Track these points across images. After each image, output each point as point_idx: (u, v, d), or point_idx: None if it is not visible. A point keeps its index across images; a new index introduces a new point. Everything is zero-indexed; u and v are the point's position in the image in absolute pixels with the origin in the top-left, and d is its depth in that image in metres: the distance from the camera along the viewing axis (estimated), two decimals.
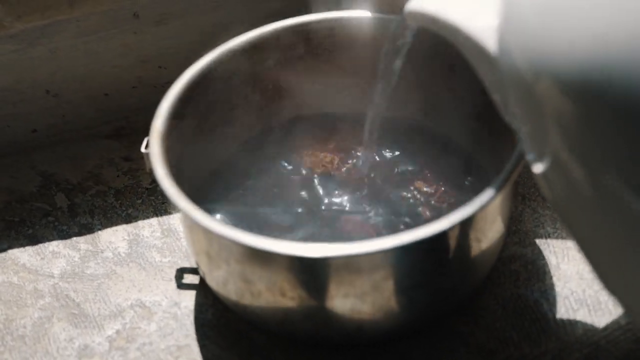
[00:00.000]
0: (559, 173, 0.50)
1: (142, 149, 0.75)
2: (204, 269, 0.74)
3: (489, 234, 0.71)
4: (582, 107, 0.46)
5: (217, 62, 0.80)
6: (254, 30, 0.81)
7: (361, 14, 0.82)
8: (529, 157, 0.54)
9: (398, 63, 0.75)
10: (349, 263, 0.66)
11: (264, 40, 0.82)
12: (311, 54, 0.83)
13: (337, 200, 0.80)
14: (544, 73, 0.48)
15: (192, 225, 0.72)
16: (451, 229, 0.66)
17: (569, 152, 0.48)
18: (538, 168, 0.52)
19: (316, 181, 0.81)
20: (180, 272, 0.81)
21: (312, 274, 0.68)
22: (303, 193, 0.80)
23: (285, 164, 0.83)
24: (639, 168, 0.45)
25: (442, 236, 0.66)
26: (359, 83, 0.84)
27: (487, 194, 0.67)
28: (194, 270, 0.81)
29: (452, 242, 0.68)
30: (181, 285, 0.80)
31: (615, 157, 0.46)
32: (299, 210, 0.79)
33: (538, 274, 0.79)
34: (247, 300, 0.71)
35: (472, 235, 0.69)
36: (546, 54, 0.48)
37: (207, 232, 0.68)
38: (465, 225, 0.67)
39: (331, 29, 0.82)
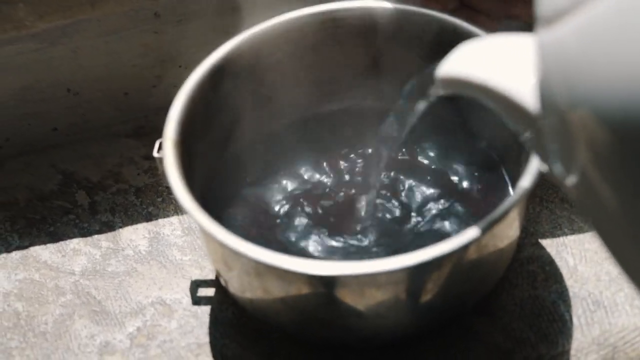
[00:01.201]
0: (587, 190, 0.50)
1: (155, 153, 0.74)
2: (223, 275, 0.74)
3: (506, 237, 0.71)
4: (617, 138, 0.46)
5: (226, 59, 0.79)
6: (260, 23, 0.81)
7: (377, 4, 0.81)
8: (557, 172, 0.54)
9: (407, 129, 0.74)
10: (369, 280, 0.66)
11: (270, 33, 0.81)
12: (320, 45, 0.83)
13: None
14: (583, 103, 0.48)
15: (208, 238, 0.72)
16: (470, 243, 0.65)
17: (599, 175, 0.48)
18: (568, 181, 0.53)
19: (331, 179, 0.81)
20: (195, 286, 0.81)
21: (330, 289, 0.67)
22: (319, 193, 0.81)
23: (302, 164, 0.83)
24: None
25: (461, 250, 0.66)
26: (371, 76, 0.85)
27: (506, 205, 0.66)
28: (207, 283, 0.81)
29: (472, 253, 0.68)
30: (197, 301, 0.80)
31: None
32: (317, 211, 0.79)
33: (555, 275, 0.79)
34: (266, 307, 0.71)
35: (491, 243, 0.69)
36: (588, 85, 0.47)
37: (223, 246, 0.67)
38: (484, 237, 0.67)
39: (340, 19, 0.81)
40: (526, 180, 0.67)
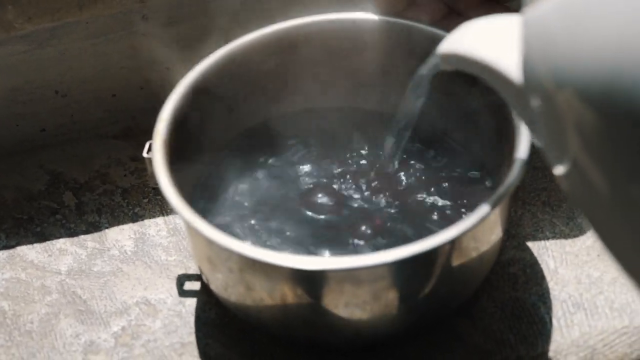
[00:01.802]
0: (579, 178, 0.50)
1: (144, 154, 0.76)
2: (206, 273, 0.75)
3: (488, 240, 0.72)
4: (604, 117, 0.46)
5: (217, 65, 0.81)
6: (252, 32, 0.82)
7: (364, 16, 0.83)
8: (548, 158, 0.54)
9: (420, 102, 0.76)
10: (350, 275, 0.67)
11: (262, 42, 0.82)
12: (319, 53, 0.84)
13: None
14: (566, 82, 0.48)
15: (194, 234, 0.73)
16: (449, 241, 0.67)
17: (589, 160, 0.48)
18: (558, 170, 0.53)
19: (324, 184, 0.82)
20: (181, 280, 0.82)
21: (312, 286, 0.68)
22: (309, 194, 0.81)
23: (291, 164, 0.83)
24: None
25: (441, 248, 0.67)
26: (361, 83, 0.86)
27: (487, 206, 0.68)
28: (194, 277, 0.82)
29: (452, 252, 0.69)
30: (183, 293, 0.81)
31: (638, 171, 0.46)
32: (304, 211, 0.80)
33: (536, 277, 0.80)
34: (248, 304, 0.72)
35: (472, 244, 0.70)
36: (570, 63, 0.48)
37: (209, 242, 0.69)
38: (464, 238, 0.68)
39: (341, 30, 0.83)
40: (506, 183, 0.68)
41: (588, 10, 0.47)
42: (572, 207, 0.83)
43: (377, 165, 0.81)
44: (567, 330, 0.77)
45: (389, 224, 0.77)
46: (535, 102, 0.52)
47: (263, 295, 0.70)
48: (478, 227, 0.68)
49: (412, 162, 0.82)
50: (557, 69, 0.49)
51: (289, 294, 0.69)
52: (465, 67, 0.67)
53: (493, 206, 0.68)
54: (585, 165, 0.49)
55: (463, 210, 0.77)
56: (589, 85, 0.47)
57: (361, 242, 0.75)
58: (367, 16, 0.83)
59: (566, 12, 0.49)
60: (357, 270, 0.67)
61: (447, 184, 0.80)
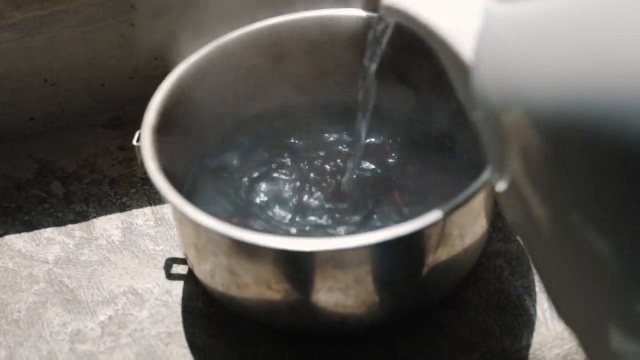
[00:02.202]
0: (517, 199, 0.49)
1: (134, 142, 0.76)
2: (192, 260, 0.76)
3: (472, 230, 0.73)
4: (551, 143, 0.45)
5: (209, 58, 0.81)
6: (244, 27, 0.83)
7: (353, 12, 0.83)
8: (491, 172, 0.53)
9: (373, 66, 0.75)
10: (333, 257, 0.68)
11: (258, 35, 0.83)
12: (304, 49, 0.84)
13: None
14: (515, 104, 0.47)
15: (180, 218, 0.74)
16: (432, 225, 0.67)
17: (530, 183, 0.47)
18: (499, 186, 0.52)
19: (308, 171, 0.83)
20: (170, 262, 0.82)
21: (297, 268, 0.69)
22: (294, 184, 0.82)
23: (276, 155, 0.84)
24: (606, 213, 0.44)
25: (423, 232, 0.68)
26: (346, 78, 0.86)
27: (468, 192, 0.68)
28: (183, 261, 0.82)
29: (434, 238, 0.69)
30: (170, 276, 0.82)
31: (580, 198, 0.45)
32: (291, 201, 0.80)
33: (522, 269, 0.80)
34: (233, 291, 0.73)
35: (455, 232, 0.71)
36: (520, 84, 0.46)
37: (195, 225, 0.70)
38: (446, 222, 0.69)
39: (324, 26, 0.84)
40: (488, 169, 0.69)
41: (544, 34, 0.46)
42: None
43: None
44: (552, 322, 0.77)
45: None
46: (480, 115, 0.51)
47: (248, 280, 0.71)
48: (461, 211, 0.68)
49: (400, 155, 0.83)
50: (507, 89, 0.47)
51: (272, 278, 0.70)
52: (410, 25, 0.63)
53: (475, 191, 0.68)
54: (525, 188, 0.48)
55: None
56: (538, 109, 0.45)
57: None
58: (351, 12, 0.83)
59: (522, 32, 0.48)
60: (339, 252, 0.67)
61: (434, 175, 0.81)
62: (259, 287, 0.71)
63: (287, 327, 0.75)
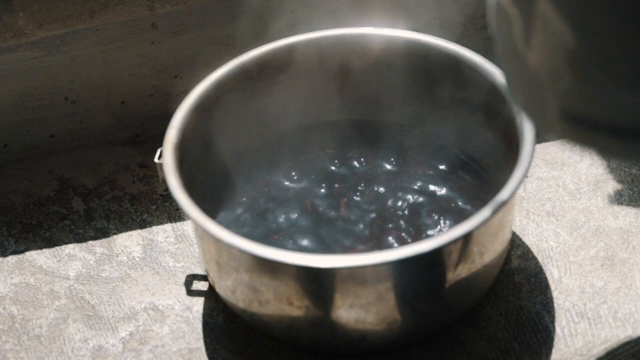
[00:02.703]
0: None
1: (156, 159, 0.77)
2: (213, 276, 0.76)
3: (491, 247, 0.73)
4: None
5: (230, 76, 0.82)
6: (265, 45, 0.84)
7: (377, 31, 0.84)
8: None
9: None
10: (354, 274, 0.68)
11: (274, 55, 0.84)
12: (325, 68, 0.85)
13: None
14: None
15: (202, 235, 0.74)
16: (452, 243, 0.68)
17: None
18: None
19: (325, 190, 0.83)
20: (190, 279, 0.83)
21: (318, 284, 0.70)
22: (312, 201, 0.82)
23: (294, 173, 0.85)
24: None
25: (443, 250, 0.68)
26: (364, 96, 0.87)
27: (487, 210, 0.69)
28: (203, 277, 0.83)
29: (454, 256, 0.70)
30: (191, 292, 0.82)
31: None
32: (307, 219, 0.81)
33: (540, 286, 0.81)
34: (254, 308, 0.73)
35: (475, 249, 0.71)
36: None
37: (217, 242, 0.70)
38: (467, 240, 0.69)
39: (347, 45, 0.84)
40: (508, 189, 0.71)
41: None
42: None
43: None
44: (570, 339, 0.77)
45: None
46: None
47: (269, 296, 0.71)
48: (481, 229, 0.69)
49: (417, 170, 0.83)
50: None
51: (293, 295, 0.70)
52: None
53: (495, 209, 0.69)
54: None
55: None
56: None
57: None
58: (374, 31, 0.84)
59: None
60: (360, 269, 0.68)
61: (452, 192, 0.81)
62: (280, 303, 0.71)
63: (308, 343, 0.75)
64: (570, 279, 0.81)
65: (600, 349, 0.77)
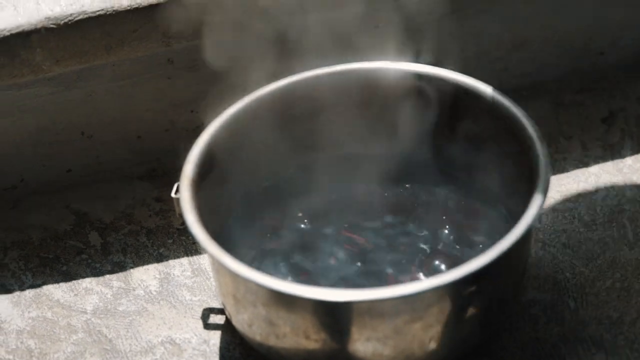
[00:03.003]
0: None
1: (172, 194, 0.77)
2: (230, 310, 0.77)
3: (508, 280, 0.73)
4: None
5: (246, 110, 0.83)
6: (281, 79, 0.84)
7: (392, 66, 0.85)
8: None
9: None
10: (371, 308, 0.68)
11: (291, 89, 0.85)
12: (340, 103, 0.86)
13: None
14: None
15: (219, 269, 0.74)
16: (469, 276, 0.68)
17: None
18: None
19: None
20: (207, 312, 0.83)
21: (335, 318, 0.70)
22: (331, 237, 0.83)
23: (311, 209, 0.85)
24: None
25: (460, 283, 0.69)
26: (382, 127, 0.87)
27: (505, 242, 0.69)
28: (220, 311, 0.83)
29: (471, 288, 0.70)
30: (207, 326, 0.82)
31: None
32: (329, 256, 0.81)
33: (557, 318, 0.81)
34: (271, 341, 0.74)
35: (491, 282, 0.71)
36: None
37: (234, 276, 0.71)
38: (483, 272, 0.69)
39: (361, 79, 0.85)
40: (523, 222, 0.71)
41: None
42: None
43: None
44: None
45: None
46: None
47: (286, 330, 0.71)
48: (497, 261, 0.69)
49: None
50: None
51: (310, 328, 0.70)
52: None
53: (512, 242, 0.69)
54: None
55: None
56: None
57: None
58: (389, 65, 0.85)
59: None
60: (377, 302, 0.68)
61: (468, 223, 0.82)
62: (296, 337, 0.71)
63: None
64: (587, 310, 0.81)
65: None
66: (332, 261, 0.80)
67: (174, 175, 0.79)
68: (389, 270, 0.78)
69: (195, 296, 0.85)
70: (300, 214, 0.84)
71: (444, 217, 0.83)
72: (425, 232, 0.82)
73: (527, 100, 0.88)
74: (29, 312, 0.85)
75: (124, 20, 0.88)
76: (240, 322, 0.76)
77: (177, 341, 0.82)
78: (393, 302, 0.68)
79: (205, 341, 0.81)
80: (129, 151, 0.97)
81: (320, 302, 0.68)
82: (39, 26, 0.87)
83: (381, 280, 0.77)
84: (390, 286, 0.68)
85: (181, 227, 0.91)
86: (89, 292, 0.87)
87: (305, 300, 0.68)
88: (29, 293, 0.87)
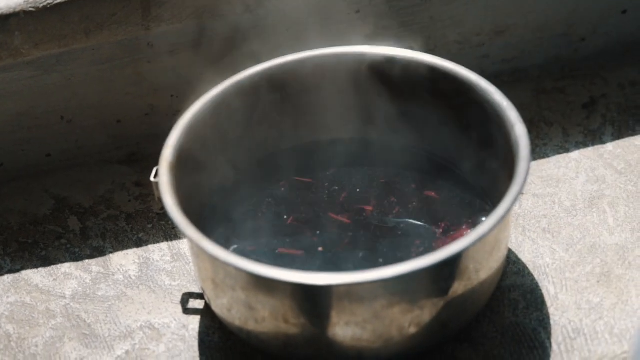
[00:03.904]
0: None
1: (152, 178, 0.77)
2: (209, 295, 0.76)
3: (487, 264, 0.73)
4: None
5: (226, 94, 0.82)
6: (261, 63, 0.84)
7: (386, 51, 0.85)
8: None
9: None
10: (350, 291, 0.68)
11: (270, 74, 0.84)
12: (321, 86, 0.85)
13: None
14: None
15: (198, 253, 0.74)
16: (448, 260, 0.68)
17: None
18: None
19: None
20: (186, 297, 0.83)
21: (314, 302, 0.70)
22: (311, 219, 0.82)
23: (293, 189, 0.85)
24: None
25: (440, 267, 0.69)
26: (362, 112, 0.87)
27: (484, 226, 0.69)
28: (199, 296, 0.83)
29: (450, 273, 0.70)
30: (187, 310, 0.82)
31: None
32: (307, 237, 0.81)
33: (537, 303, 0.81)
34: (250, 326, 0.73)
35: (471, 266, 0.71)
36: None
37: (213, 260, 0.70)
38: (463, 257, 0.69)
39: (344, 63, 0.85)
40: (504, 205, 0.71)
41: None
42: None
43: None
44: (567, 355, 0.77)
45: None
46: None
47: (265, 314, 0.71)
48: (477, 245, 0.69)
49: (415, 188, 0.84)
50: None
51: (289, 313, 0.70)
52: None
53: (491, 225, 0.69)
54: None
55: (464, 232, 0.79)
56: None
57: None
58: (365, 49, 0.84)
59: None
60: (356, 286, 0.68)
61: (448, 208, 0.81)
62: (276, 321, 0.71)
63: None
64: (567, 296, 0.81)
65: None
66: (314, 240, 0.80)
67: (154, 160, 0.79)
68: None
69: (174, 281, 0.85)
70: (282, 199, 0.84)
71: (422, 205, 0.83)
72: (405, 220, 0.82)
73: (508, 87, 0.88)
74: (7, 297, 0.85)
75: (103, 4, 0.88)
76: (220, 306, 0.75)
77: (156, 326, 0.82)
78: (371, 285, 0.68)
79: (184, 326, 0.81)
80: (109, 136, 0.96)
81: (299, 285, 0.68)
82: (17, 9, 0.87)
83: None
84: (368, 270, 0.67)
85: (161, 211, 0.91)
86: (68, 277, 0.86)
87: (283, 284, 0.68)
88: (7, 278, 0.86)
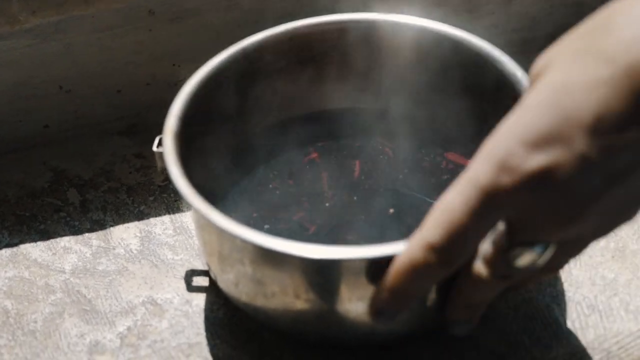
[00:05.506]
0: None
1: (154, 148, 0.75)
2: (215, 269, 0.74)
3: None
4: None
5: (230, 62, 0.80)
6: (266, 30, 0.82)
7: (376, 17, 0.82)
8: None
9: None
10: (364, 266, 0.66)
11: (275, 40, 0.82)
12: (327, 54, 0.83)
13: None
14: None
15: (205, 225, 0.72)
16: None
17: None
18: None
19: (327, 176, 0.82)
20: (190, 274, 0.81)
21: (326, 277, 0.68)
22: (317, 189, 0.81)
23: (297, 161, 0.83)
24: None
25: None
26: (368, 84, 0.85)
27: None
28: (203, 272, 0.81)
29: None
30: (191, 288, 0.80)
31: None
32: (314, 206, 0.79)
33: (549, 279, 0.79)
34: (259, 301, 0.71)
35: None
36: None
37: (221, 232, 0.68)
38: None
39: (346, 30, 0.83)
40: None
41: None
42: None
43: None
44: (581, 332, 0.75)
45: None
46: None
47: (274, 289, 0.69)
48: None
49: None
50: None
51: (300, 287, 0.68)
52: None
53: None
54: None
55: None
56: None
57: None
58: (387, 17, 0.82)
59: None
60: (370, 261, 0.66)
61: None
62: (285, 296, 0.69)
63: (314, 336, 0.73)
64: (580, 271, 0.79)
65: (612, 342, 0.75)
66: (327, 204, 0.79)
67: (155, 130, 0.77)
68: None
69: (177, 255, 0.83)
70: (289, 168, 0.82)
71: (432, 177, 0.81)
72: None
73: (518, 57, 0.85)
74: (5, 271, 0.83)
75: None
76: (226, 281, 0.73)
77: (159, 301, 0.80)
78: (387, 260, 0.66)
79: (187, 302, 0.79)
80: (109, 106, 0.94)
81: (310, 260, 0.66)
82: None
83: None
84: (383, 244, 0.65)
85: (162, 184, 0.89)
86: (67, 251, 0.84)
87: (294, 258, 0.66)
88: (5, 252, 0.84)
